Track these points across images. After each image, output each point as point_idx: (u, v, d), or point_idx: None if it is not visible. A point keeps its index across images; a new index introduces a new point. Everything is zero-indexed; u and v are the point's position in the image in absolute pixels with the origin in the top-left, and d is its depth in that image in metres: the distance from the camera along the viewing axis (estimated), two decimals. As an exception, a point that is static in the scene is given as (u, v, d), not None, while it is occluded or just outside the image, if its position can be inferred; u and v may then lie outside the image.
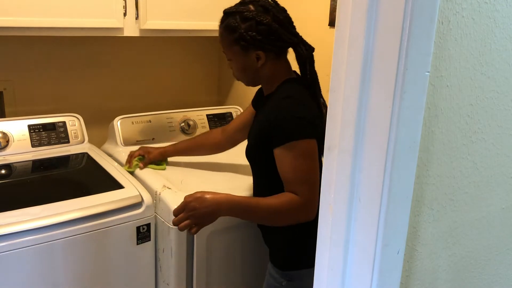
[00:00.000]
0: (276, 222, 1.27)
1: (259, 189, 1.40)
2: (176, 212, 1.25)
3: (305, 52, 1.27)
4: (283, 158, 1.21)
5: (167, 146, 1.75)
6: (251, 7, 1.24)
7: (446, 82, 0.69)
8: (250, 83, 1.37)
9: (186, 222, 1.23)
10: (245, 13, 1.23)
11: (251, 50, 1.25)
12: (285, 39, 1.24)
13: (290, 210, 1.19)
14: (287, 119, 1.20)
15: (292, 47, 1.28)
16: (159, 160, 1.72)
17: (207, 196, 1.23)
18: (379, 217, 0.68)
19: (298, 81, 1.32)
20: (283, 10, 1.27)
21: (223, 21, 1.30)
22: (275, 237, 1.37)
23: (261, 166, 1.34)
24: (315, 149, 1.20)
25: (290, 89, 1.28)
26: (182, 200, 1.45)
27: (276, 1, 1.28)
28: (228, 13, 1.28)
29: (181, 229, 1.25)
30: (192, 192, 1.27)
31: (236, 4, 1.28)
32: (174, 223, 1.28)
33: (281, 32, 1.23)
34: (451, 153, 0.74)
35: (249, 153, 1.36)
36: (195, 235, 1.44)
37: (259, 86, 1.44)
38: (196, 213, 1.22)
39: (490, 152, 0.80)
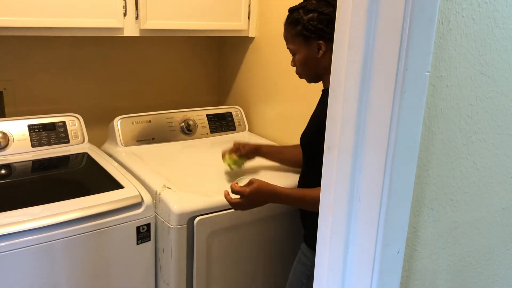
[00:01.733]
0: (311, 207, 1.33)
1: (303, 179, 1.47)
2: (235, 192, 1.36)
3: None
4: None
5: (261, 145, 1.75)
6: (314, 1, 1.33)
7: (446, 82, 0.69)
8: (311, 76, 1.41)
9: (238, 201, 1.35)
10: (308, 6, 1.32)
11: (313, 40, 1.32)
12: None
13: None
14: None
15: None
16: (249, 155, 1.71)
17: (263, 187, 1.35)
18: (379, 217, 0.68)
19: None
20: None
21: (288, 18, 1.38)
22: (312, 219, 1.39)
23: (313, 154, 1.40)
24: None
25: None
26: (181, 200, 1.45)
27: None
28: (292, 10, 1.37)
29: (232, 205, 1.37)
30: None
31: (300, 2, 1.37)
32: (230, 201, 1.36)
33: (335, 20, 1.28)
34: (451, 153, 0.74)
35: (304, 139, 1.42)
36: (195, 236, 1.44)
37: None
38: (251, 201, 1.34)
39: (490, 152, 0.80)
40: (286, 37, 1.40)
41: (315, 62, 1.36)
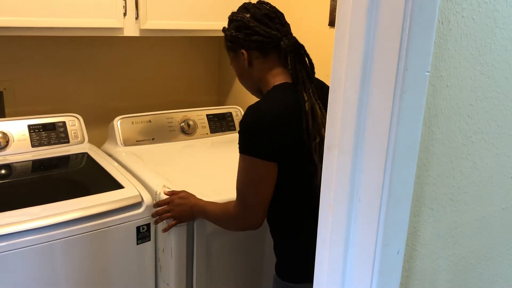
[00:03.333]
0: (222, 226, 1.35)
1: None
2: (157, 204, 1.44)
3: (287, 44, 1.21)
4: (238, 165, 1.23)
5: None
6: (235, 11, 1.29)
7: (446, 82, 0.69)
8: (251, 89, 1.35)
9: (168, 214, 1.40)
10: (229, 17, 1.29)
11: (237, 50, 1.26)
12: (261, 33, 1.21)
13: (226, 218, 1.29)
14: (240, 131, 1.20)
15: (274, 42, 1.23)
16: None
17: (189, 197, 1.40)
18: (379, 217, 0.68)
19: (288, 85, 1.24)
20: (270, 10, 1.25)
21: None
22: (279, 249, 1.35)
23: None
24: (260, 168, 1.17)
25: (267, 97, 1.23)
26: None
27: (270, 5, 1.27)
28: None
29: (161, 219, 1.43)
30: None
31: None
32: (157, 212, 1.44)
33: (255, 25, 1.21)
34: (451, 153, 0.74)
35: None
36: (195, 236, 1.44)
37: None
38: (177, 209, 1.39)
39: (490, 152, 0.80)
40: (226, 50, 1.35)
41: (247, 74, 1.29)
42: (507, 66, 0.76)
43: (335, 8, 0.91)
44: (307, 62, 1.24)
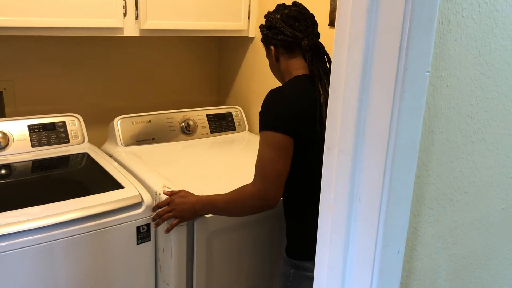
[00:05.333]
0: (236, 211, 1.38)
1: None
2: (157, 206, 1.44)
3: (306, 44, 1.33)
4: (259, 144, 1.32)
5: None
6: (273, 10, 1.42)
7: (446, 82, 0.69)
8: (278, 79, 1.48)
9: (170, 214, 1.40)
10: (264, 16, 1.42)
11: (267, 45, 1.41)
12: (285, 33, 1.34)
13: (242, 199, 1.32)
14: (261, 111, 1.32)
15: (297, 42, 1.35)
16: None
17: (189, 195, 1.41)
18: (379, 217, 0.68)
19: (306, 77, 1.36)
20: (299, 12, 1.36)
21: None
22: (291, 230, 1.42)
23: None
24: (280, 141, 1.27)
25: (287, 84, 1.37)
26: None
27: (301, 7, 1.39)
28: None
29: (162, 220, 1.42)
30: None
31: None
32: (158, 214, 1.43)
33: (281, 26, 1.34)
34: (451, 153, 0.74)
35: None
36: (195, 236, 1.44)
37: None
38: (179, 208, 1.39)
39: (490, 152, 0.80)
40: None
41: (275, 67, 1.44)
42: (507, 66, 0.76)
43: (335, 8, 0.91)
44: (326, 59, 1.37)
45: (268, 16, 1.39)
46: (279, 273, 1.47)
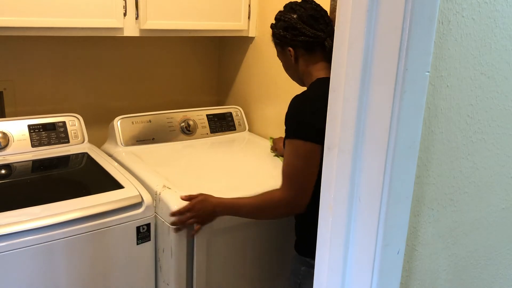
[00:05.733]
0: (261, 216, 1.39)
1: None
2: (179, 212, 1.40)
3: (331, 45, 1.31)
4: (285, 151, 1.31)
5: None
6: (283, 9, 1.37)
7: (446, 82, 0.69)
8: (297, 81, 1.45)
9: (191, 220, 1.38)
10: (277, 15, 1.38)
11: (284, 47, 1.37)
12: (307, 34, 1.31)
13: (271, 205, 1.32)
14: (288, 118, 1.29)
15: (318, 42, 1.33)
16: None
17: (209, 198, 1.39)
18: (379, 217, 0.68)
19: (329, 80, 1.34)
20: (315, 10, 1.33)
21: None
22: (301, 226, 1.42)
23: None
24: (308, 150, 1.25)
25: (311, 87, 1.34)
26: (181, 200, 1.45)
27: (314, 3, 1.36)
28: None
29: (184, 227, 1.40)
30: (190, 193, 1.41)
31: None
32: (180, 220, 1.39)
33: (301, 27, 1.31)
34: (451, 153, 0.74)
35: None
36: (195, 235, 1.44)
37: None
38: (200, 213, 1.37)
39: (490, 152, 0.80)
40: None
41: (293, 68, 1.40)
42: (507, 66, 0.76)
43: (335, 8, 0.91)
44: None
45: (282, 15, 1.35)
46: (290, 270, 1.47)
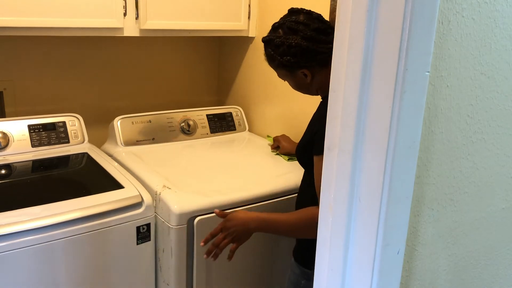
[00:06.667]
0: (300, 235, 1.31)
1: (299, 197, 1.40)
2: (211, 236, 1.32)
3: None
4: (317, 166, 1.22)
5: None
6: (280, 32, 1.25)
7: (446, 82, 0.69)
8: (311, 94, 1.36)
9: (225, 241, 1.30)
10: (276, 40, 1.25)
11: (295, 70, 1.27)
12: (321, 51, 1.23)
13: (311, 223, 1.16)
14: (319, 133, 1.20)
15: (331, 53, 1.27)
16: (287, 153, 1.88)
17: (239, 214, 1.31)
18: (379, 217, 0.68)
19: None
20: (314, 21, 1.24)
21: (264, 49, 1.32)
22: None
23: (308, 168, 1.34)
24: None
25: None
26: (181, 200, 1.45)
27: (308, 13, 1.26)
28: (264, 42, 1.31)
29: (220, 250, 1.31)
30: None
31: (270, 31, 1.30)
32: (215, 244, 1.31)
33: (313, 47, 1.22)
34: (451, 153, 0.74)
35: (298, 153, 1.36)
36: (195, 236, 1.44)
37: None
38: (232, 232, 1.29)
39: (490, 152, 0.80)
40: (271, 67, 1.35)
41: (306, 85, 1.31)
42: (507, 66, 0.76)
43: (335, 8, 0.91)
44: None
45: (285, 41, 1.22)
46: (288, 278, 1.43)
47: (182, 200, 1.47)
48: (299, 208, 1.32)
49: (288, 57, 1.23)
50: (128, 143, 1.91)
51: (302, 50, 1.22)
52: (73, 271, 1.37)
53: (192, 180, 1.63)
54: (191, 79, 2.45)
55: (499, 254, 0.91)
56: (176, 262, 1.47)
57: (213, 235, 1.32)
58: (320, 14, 1.27)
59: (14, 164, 1.69)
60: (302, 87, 1.33)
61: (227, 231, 1.30)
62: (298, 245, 1.37)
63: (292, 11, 1.28)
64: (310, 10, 1.27)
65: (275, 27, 1.28)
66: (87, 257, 1.39)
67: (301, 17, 1.25)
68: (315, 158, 1.23)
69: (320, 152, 1.18)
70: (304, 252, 1.35)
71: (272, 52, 1.27)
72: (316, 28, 1.23)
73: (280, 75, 1.34)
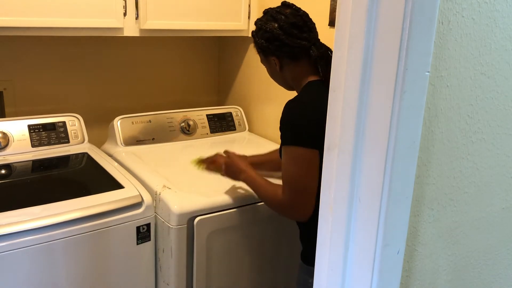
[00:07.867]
0: (267, 205, 1.38)
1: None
2: (221, 158, 1.51)
3: (316, 54, 1.28)
4: (283, 157, 1.29)
5: (248, 157, 1.71)
6: (263, 17, 1.33)
7: (446, 82, 0.69)
8: (284, 86, 1.43)
9: (221, 165, 1.48)
10: (258, 23, 1.33)
11: (268, 56, 1.34)
12: (290, 44, 1.28)
13: (273, 202, 1.32)
14: (284, 124, 1.28)
15: (303, 51, 1.30)
16: None
17: (241, 166, 1.44)
18: (379, 217, 0.68)
19: (320, 83, 1.32)
20: (296, 17, 1.29)
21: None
22: (306, 236, 1.39)
23: None
24: (306, 156, 1.23)
25: (304, 92, 1.32)
26: (181, 200, 1.46)
27: (295, 9, 1.31)
28: (254, 24, 1.38)
29: (214, 164, 1.53)
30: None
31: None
32: (213, 159, 1.54)
33: (284, 38, 1.28)
34: (451, 153, 0.74)
35: (281, 152, 1.39)
36: (195, 236, 1.45)
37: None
38: (228, 171, 1.47)
39: (490, 152, 0.80)
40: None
41: (278, 75, 1.37)
42: (507, 66, 0.76)
43: (335, 8, 0.91)
44: None
45: (263, 25, 1.30)
46: (296, 280, 1.44)
47: (182, 200, 1.47)
48: None
49: (262, 41, 1.31)
50: (128, 143, 1.91)
51: (273, 37, 1.29)
52: (73, 271, 1.37)
53: (192, 180, 1.63)
54: (191, 79, 2.45)
55: (499, 254, 0.91)
56: (176, 262, 1.47)
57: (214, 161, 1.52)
58: (307, 14, 1.33)
59: (14, 164, 1.69)
60: (276, 76, 1.39)
61: (225, 167, 1.47)
62: (304, 246, 1.38)
63: (284, 4, 1.34)
64: (299, 8, 1.32)
65: (264, 12, 1.35)
66: (87, 257, 1.39)
67: (287, 10, 1.31)
68: (282, 149, 1.29)
69: (282, 144, 1.28)
70: (310, 251, 1.36)
71: (254, 34, 1.35)
72: (293, 22, 1.28)
73: (261, 61, 1.41)
